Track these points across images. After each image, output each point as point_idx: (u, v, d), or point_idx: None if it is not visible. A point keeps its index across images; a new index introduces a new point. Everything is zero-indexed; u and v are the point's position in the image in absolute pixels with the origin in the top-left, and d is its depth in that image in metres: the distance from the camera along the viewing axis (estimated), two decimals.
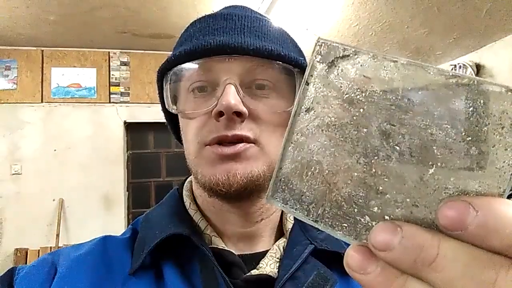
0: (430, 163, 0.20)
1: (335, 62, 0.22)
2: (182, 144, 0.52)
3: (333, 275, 0.46)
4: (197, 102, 0.46)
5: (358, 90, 0.21)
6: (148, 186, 3.85)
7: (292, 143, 0.23)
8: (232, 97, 0.42)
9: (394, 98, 0.21)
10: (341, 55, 0.22)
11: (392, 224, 0.20)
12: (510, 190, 0.19)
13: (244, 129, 0.44)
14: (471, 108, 0.19)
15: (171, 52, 0.49)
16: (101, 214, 3.50)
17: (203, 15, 0.50)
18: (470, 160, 0.19)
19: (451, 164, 0.19)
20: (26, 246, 3.26)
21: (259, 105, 0.45)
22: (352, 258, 0.21)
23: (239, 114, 0.43)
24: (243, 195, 0.44)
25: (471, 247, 0.18)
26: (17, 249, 3.24)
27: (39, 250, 3.26)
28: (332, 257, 0.49)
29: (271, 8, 2.69)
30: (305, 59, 0.50)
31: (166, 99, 0.49)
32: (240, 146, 0.44)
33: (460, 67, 3.58)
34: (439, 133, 0.19)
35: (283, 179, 0.24)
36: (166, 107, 0.49)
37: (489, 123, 0.19)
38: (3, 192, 3.33)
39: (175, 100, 0.50)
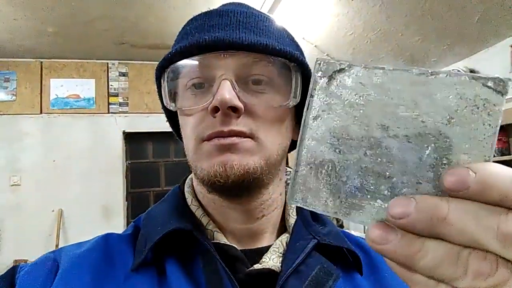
0: (425, 145, 0.24)
1: (334, 76, 0.26)
2: (182, 141, 0.51)
3: (336, 269, 0.46)
4: (194, 99, 0.46)
5: (356, 95, 0.26)
6: (147, 195, 3.84)
7: (305, 148, 0.27)
8: (227, 92, 0.42)
9: (387, 97, 0.25)
10: (338, 69, 0.26)
11: (405, 197, 0.23)
12: (494, 156, 0.24)
13: (240, 125, 0.44)
14: (450, 97, 0.23)
15: None
16: (101, 224, 3.48)
17: (199, 12, 0.50)
18: (458, 138, 0.23)
19: (443, 143, 0.23)
20: (26, 257, 3.22)
21: (255, 100, 0.45)
22: (374, 232, 0.24)
23: (234, 109, 0.43)
24: (240, 188, 0.44)
25: (473, 202, 0.22)
26: (16, 260, 3.21)
27: None
28: (335, 252, 0.48)
29: None
30: (302, 53, 0.50)
31: (165, 97, 0.49)
32: (235, 138, 0.43)
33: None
34: (429, 120, 0.24)
35: (300, 181, 0.27)
36: (165, 104, 0.49)
37: (466, 106, 0.23)
38: (2, 203, 3.32)
39: (173, 98, 0.49)
